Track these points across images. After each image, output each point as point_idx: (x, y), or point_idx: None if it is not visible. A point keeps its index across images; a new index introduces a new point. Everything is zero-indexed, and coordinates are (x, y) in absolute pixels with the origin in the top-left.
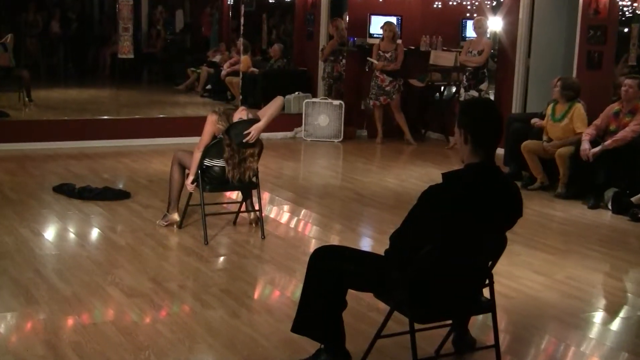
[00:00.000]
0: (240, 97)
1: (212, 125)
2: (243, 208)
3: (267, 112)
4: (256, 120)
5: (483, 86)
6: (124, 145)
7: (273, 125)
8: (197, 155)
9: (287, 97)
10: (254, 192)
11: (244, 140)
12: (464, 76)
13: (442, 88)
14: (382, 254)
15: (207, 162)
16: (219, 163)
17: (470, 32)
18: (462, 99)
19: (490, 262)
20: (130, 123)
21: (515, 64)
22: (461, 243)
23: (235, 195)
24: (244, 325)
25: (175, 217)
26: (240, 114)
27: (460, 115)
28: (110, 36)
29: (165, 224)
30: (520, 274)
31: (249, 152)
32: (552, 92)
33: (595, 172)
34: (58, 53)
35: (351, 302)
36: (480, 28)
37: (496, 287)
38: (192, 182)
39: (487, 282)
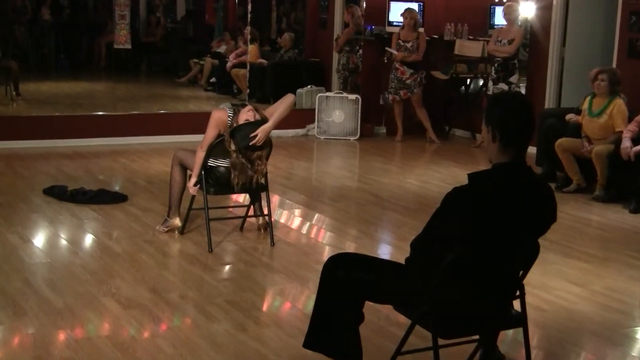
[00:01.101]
0: (248, 90)
1: (217, 121)
2: (251, 212)
3: (276, 111)
4: (263, 121)
5: (513, 79)
6: (121, 143)
7: (283, 122)
8: (201, 155)
9: (299, 91)
10: (263, 195)
11: (250, 144)
12: (493, 68)
13: (468, 81)
14: (403, 262)
15: (211, 162)
16: (224, 163)
17: (499, 19)
18: (490, 92)
19: (521, 272)
20: (128, 119)
21: (548, 54)
22: (489, 250)
23: (242, 198)
24: (252, 339)
25: (177, 222)
26: (247, 115)
27: (488, 111)
28: (105, 24)
29: (166, 229)
30: (554, 285)
31: (256, 155)
32: (590, 85)
33: (637, 172)
34: (49, 42)
35: (368, 315)
36: (510, 15)
37: (528, 298)
38: (195, 184)
39: (517, 293)
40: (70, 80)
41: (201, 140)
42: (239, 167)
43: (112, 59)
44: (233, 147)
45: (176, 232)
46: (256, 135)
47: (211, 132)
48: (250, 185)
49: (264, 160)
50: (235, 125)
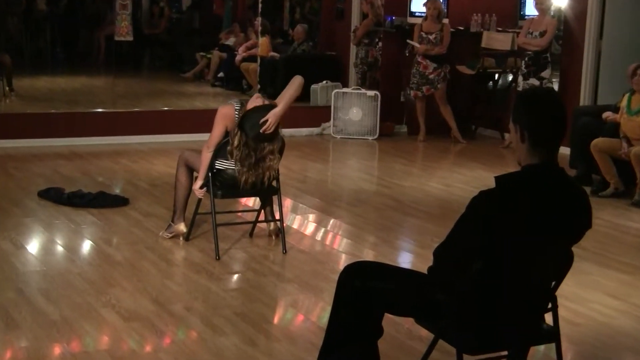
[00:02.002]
0: (258, 86)
1: (224, 117)
2: (261, 217)
3: (285, 93)
4: (272, 106)
5: (545, 74)
6: (122, 143)
7: (296, 120)
8: (207, 156)
9: (313, 86)
10: (274, 198)
11: (261, 131)
12: (523, 62)
13: (497, 76)
14: (425, 271)
15: (218, 165)
16: (232, 165)
17: (530, 9)
18: (519, 88)
19: (553, 283)
20: (129, 117)
21: (584, 47)
22: (518, 259)
23: (252, 202)
24: (262, 354)
25: (182, 227)
26: (255, 102)
27: (517, 108)
28: (105, 15)
29: (170, 235)
30: (589, 297)
31: (267, 149)
32: (629, 81)
33: None
34: (44, 35)
35: (388, 329)
36: (542, 4)
37: (561, 311)
38: (201, 187)
39: (549, 305)
40: (67, 75)
41: (207, 140)
42: (248, 164)
43: (112, 52)
44: (238, 141)
45: (181, 239)
46: (266, 122)
47: (218, 130)
48: (262, 185)
49: (276, 155)
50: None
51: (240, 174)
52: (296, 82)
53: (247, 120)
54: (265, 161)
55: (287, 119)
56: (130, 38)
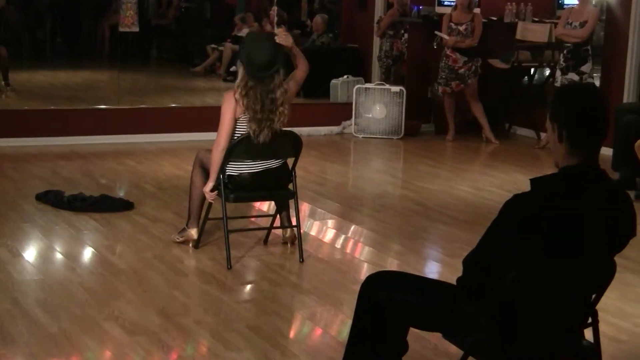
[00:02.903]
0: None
1: (230, 103)
2: (277, 223)
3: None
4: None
5: (585, 68)
6: (127, 142)
7: (315, 118)
8: (218, 155)
9: (334, 82)
10: (291, 203)
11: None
12: (561, 55)
13: (533, 70)
14: (453, 282)
15: (231, 169)
16: (247, 168)
17: None
18: (557, 84)
19: (594, 295)
20: (135, 114)
21: (628, 39)
22: (555, 269)
23: (267, 206)
24: None
25: (193, 233)
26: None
27: (554, 106)
28: (109, 4)
29: (181, 239)
30: (633, 311)
31: (279, 93)
32: None
33: None
34: (44, 25)
35: (413, 344)
36: None
37: (602, 327)
38: (212, 190)
39: (589, 320)
40: (68, 69)
41: (216, 136)
42: (261, 116)
43: (116, 44)
44: (250, 84)
45: (190, 246)
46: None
47: (226, 120)
48: (274, 137)
49: (284, 94)
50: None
51: (254, 131)
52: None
53: (252, 51)
54: (277, 104)
55: (305, 117)
56: (136, 29)
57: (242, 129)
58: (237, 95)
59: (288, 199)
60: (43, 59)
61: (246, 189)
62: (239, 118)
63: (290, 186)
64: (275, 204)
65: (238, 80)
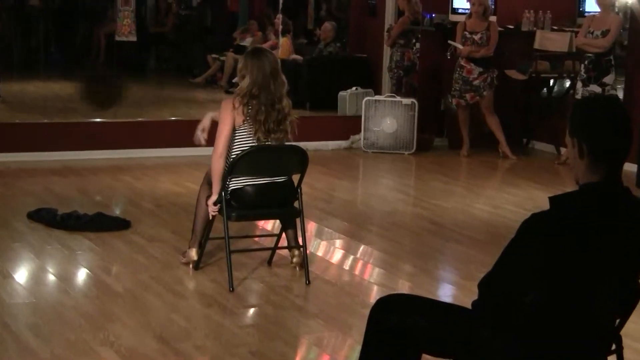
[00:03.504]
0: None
1: (227, 109)
2: (282, 243)
3: None
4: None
5: (608, 79)
6: (123, 157)
7: (322, 133)
8: (216, 162)
9: (342, 93)
10: (297, 221)
11: None
12: (582, 65)
13: (552, 82)
14: (469, 306)
15: (235, 183)
16: (251, 181)
17: (591, 4)
18: (578, 96)
19: (617, 320)
20: (132, 128)
21: None
22: (576, 292)
23: (271, 225)
24: None
25: (192, 254)
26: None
27: (575, 119)
28: (105, 11)
29: (184, 260)
30: None
31: (286, 102)
32: None
33: None
34: (37, 33)
35: None
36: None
37: (627, 354)
38: (216, 203)
39: (613, 347)
40: (62, 80)
41: (214, 144)
42: (264, 116)
43: (113, 53)
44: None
45: (190, 267)
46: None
47: (225, 126)
48: (278, 130)
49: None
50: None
51: (257, 130)
52: None
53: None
54: (283, 112)
55: (312, 131)
56: (133, 38)
57: (245, 141)
58: (236, 103)
59: (293, 217)
60: (35, 69)
61: (249, 206)
62: (239, 128)
63: (296, 204)
64: (281, 222)
65: (239, 89)
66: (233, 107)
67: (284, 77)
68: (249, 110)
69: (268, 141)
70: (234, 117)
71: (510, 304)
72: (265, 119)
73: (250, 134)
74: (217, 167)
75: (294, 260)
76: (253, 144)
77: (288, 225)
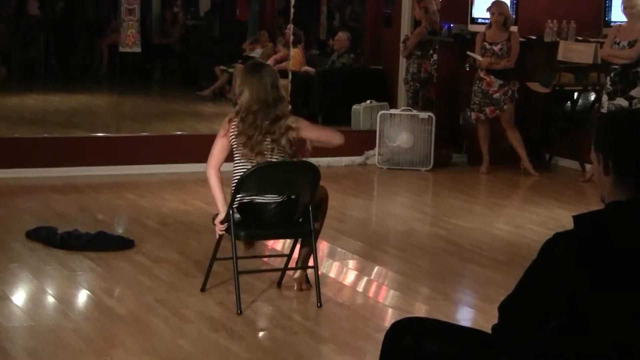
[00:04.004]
0: (289, 106)
1: (224, 127)
2: (292, 263)
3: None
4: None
5: (635, 92)
6: (127, 173)
7: (335, 148)
8: (209, 176)
9: (355, 107)
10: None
11: None
12: (608, 78)
13: (576, 95)
14: (488, 330)
15: (240, 199)
16: (258, 198)
17: (617, 14)
18: (604, 110)
19: None
20: (136, 143)
21: None
22: (602, 319)
23: (281, 245)
24: None
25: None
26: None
27: (600, 134)
28: (108, 21)
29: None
30: None
31: (285, 121)
32: None
33: None
34: (37, 44)
35: None
36: (633, 8)
37: None
38: (223, 222)
39: None
40: (62, 93)
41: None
42: (247, 132)
43: (116, 65)
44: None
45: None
46: None
47: (217, 140)
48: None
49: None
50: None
51: (245, 145)
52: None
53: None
54: (276, 132)
55: (324, 146)
56: (137, 49)
57: (242, 159)
58: (232, 116)
59: (304, 237)
60: (35, 81)
61: (258, 225)
62: (232, 144)
63: (309, 225)
64: (301, 241)
65: (238, 106)
66: (227, 122)
67: (283, 93)
68: (243, 126)
69: (265, 157)
70: (227, 131)
71: (532, 329)
72: (253, 135)
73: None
74: (211, 179)
75: (295, 276)
76: (252, 161)
77: (304, 243)
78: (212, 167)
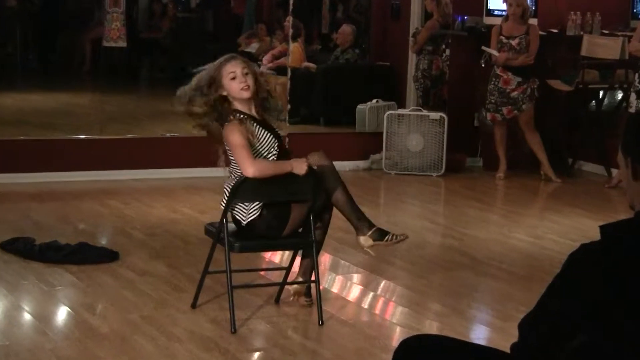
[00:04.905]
0: (288, 106)
1: (239, 132)
2: (292, 276)
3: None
4: None
5: None
6: (111, 179)
7: (338, 152)
8: (260, 165)
9: (361, 107)
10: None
11: None
12: (637, 75)
13: (602, 93)
14: (507, 350)
15: (239, 211)
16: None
17: None
18: (632, 110)
19: None
20: (121, 146)
21: None
22: (632, 337)
23: (280, 257)
24: None
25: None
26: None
27: (627, 136)
28: (92, 14)
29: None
30: None
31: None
32: None
33: None
34: (13, 38)
35: None
36: None
37: None
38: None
39: None
40: (41, 91)
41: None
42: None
43: (100, 61)
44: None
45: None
46: None
47: (244, 144)
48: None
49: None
50: None
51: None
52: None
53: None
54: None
55: (326, 149)
56: (123, 43)
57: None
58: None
59: (305, 248)
60: (11, 78)
61: (259, 233)
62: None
63: (310, 233)
64: (303, 251)
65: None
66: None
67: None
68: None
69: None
70: (246, 135)
71: (555, 348)
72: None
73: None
74: (260, 168)
75: (292, 288)
76: None
77: (305, 255)
78: (252, 165)
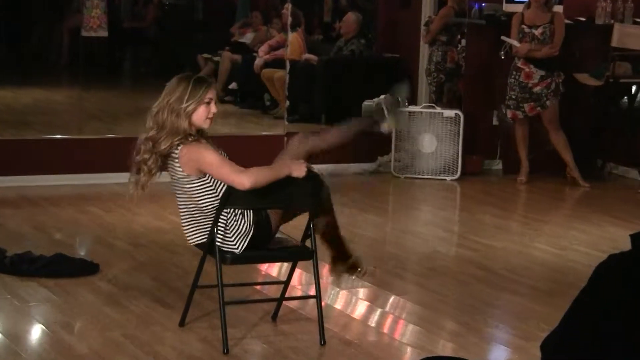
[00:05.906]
0: (287, 102)
1: (207, 148)
2: (290, 291)
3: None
4: None
5: None
6: (91, 183)
7: (343, 153)
8: (252, 174)
9: (367, 103)
10: (308, 264)
11: None
12: None
13: (634, 88)
14: None
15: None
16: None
17: None
18: None
19: None
20: (102, 146)
21: None
22: None
23: (277, 270)
24: None
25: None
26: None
27: None
28: (69, 1)
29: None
30: None
31: None
32: None
33: None
34: None
35: None
36: None
37: None
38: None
39: None
40: (14, 86)
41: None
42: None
43: (78, 53)
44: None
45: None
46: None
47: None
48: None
49: None
50: None
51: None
52: None
53: None
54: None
55: (329, 151)
56: (104, 33)
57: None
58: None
59: (304, 260)
60: None
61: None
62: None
63: (308, 243)
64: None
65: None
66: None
67: None
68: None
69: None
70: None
71: None
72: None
73: None
74: (251, 176)
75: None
76: None
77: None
78: (244, 175)
